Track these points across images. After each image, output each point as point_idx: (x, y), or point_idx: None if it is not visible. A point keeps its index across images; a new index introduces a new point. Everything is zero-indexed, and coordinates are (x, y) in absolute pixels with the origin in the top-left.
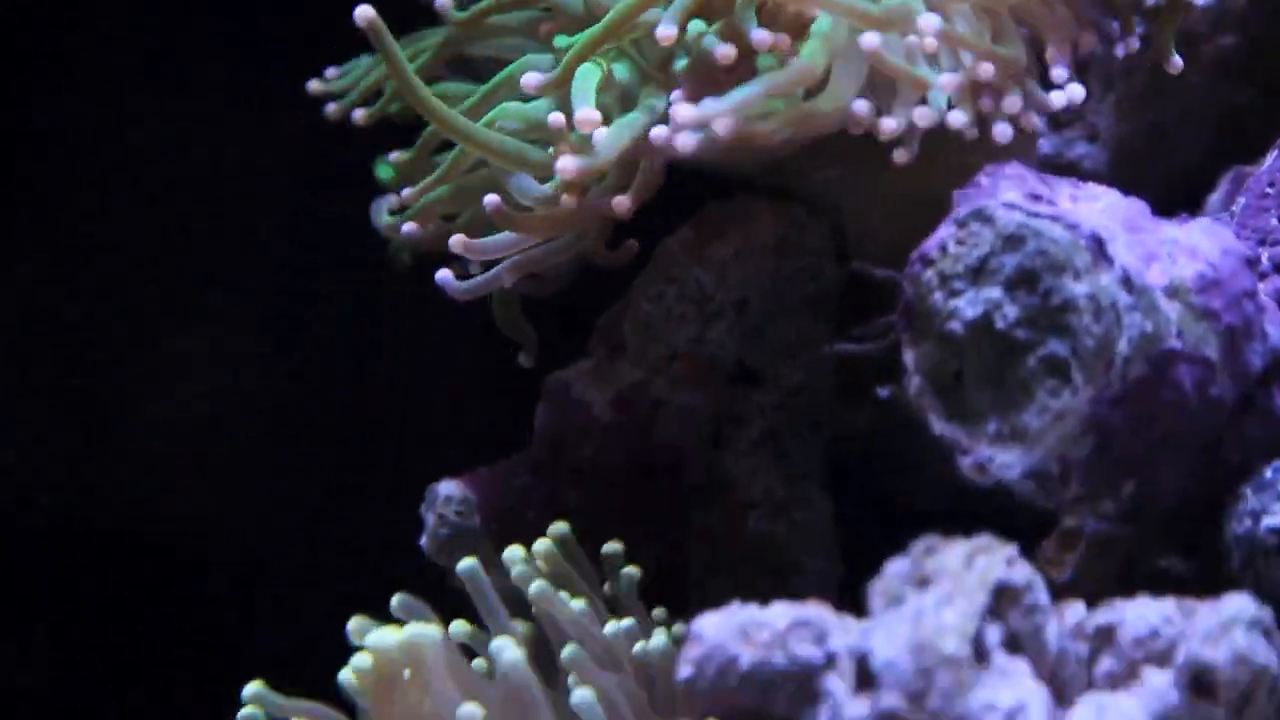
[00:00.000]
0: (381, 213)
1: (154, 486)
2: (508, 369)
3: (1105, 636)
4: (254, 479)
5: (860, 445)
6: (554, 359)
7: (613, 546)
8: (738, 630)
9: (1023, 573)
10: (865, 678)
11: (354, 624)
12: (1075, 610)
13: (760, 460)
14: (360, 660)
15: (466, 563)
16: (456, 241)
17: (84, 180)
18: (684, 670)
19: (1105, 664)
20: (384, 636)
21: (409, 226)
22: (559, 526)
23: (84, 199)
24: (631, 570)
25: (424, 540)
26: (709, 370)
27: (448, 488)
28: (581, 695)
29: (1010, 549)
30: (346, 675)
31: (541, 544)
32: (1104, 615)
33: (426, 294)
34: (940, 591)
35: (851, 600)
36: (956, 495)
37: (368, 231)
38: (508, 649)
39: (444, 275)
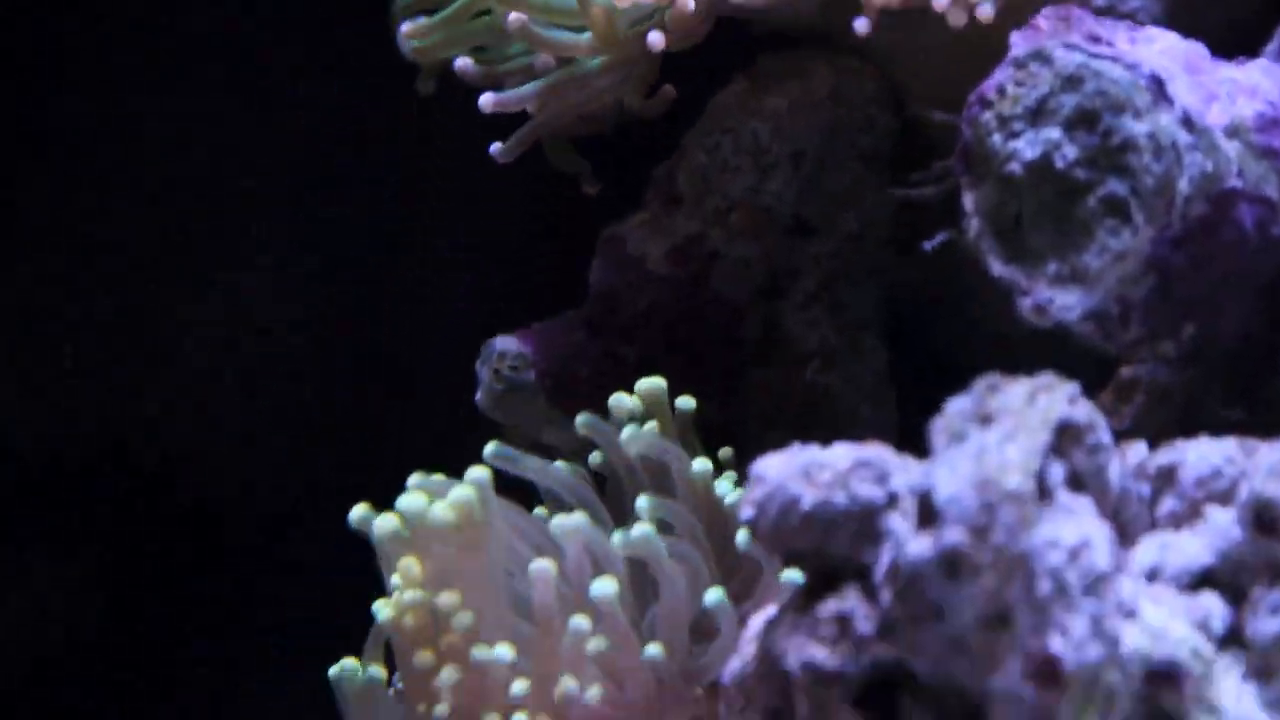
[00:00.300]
0: (407, 42)
1: (198, 419)
2: (561, 225)
3: (1167, 477)
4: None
5: (916, 296)
6: (608, 214)
7: (685, 401)
8: (800, 471)
9: (1085, 411)
10: (927, 516)
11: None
12: (1137, 450)
13: (816, 312)
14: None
15: (583, 417)
16: (486, 101)
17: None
18: (746, 511)
19: (1167, 504)
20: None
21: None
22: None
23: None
24: (687, 401)
25: (479, 396)
26: (765, 222)
27: (503, 342)
28: (641, 531)
29: (1073, 387)
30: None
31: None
32: (1166, 455)
33: (476, 157)
34: (1003, 428)
35: (906, 451)
36: (1011, 347)
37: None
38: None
39: (486, 98)
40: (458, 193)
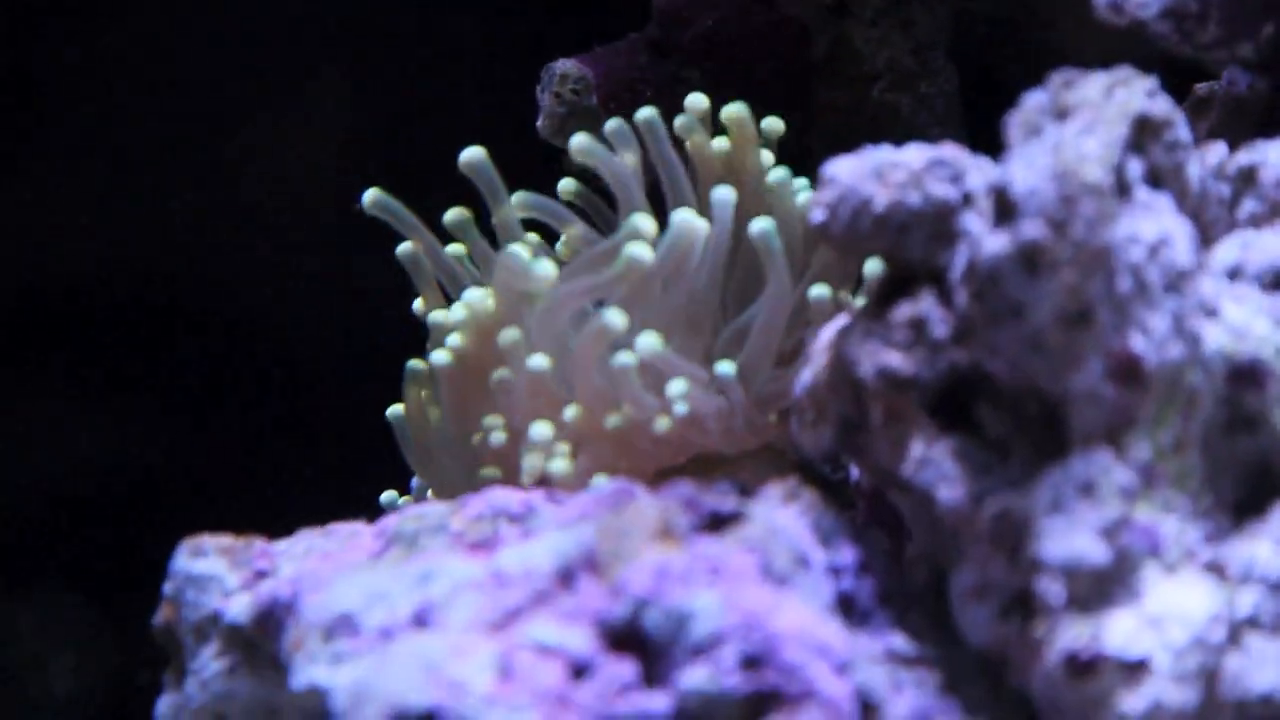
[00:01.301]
0: None
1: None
2: None
3: (1248, 177)
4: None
5: (983, 18)
6: None
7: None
8: (872, 171)
9: (1164, 106)
10: (1004, 212)
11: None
12: (1217, 151)
13: (884, 30)
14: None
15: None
16: None
17: None
18: (817, 214)
19: (1248, 205)
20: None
21: None
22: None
23: None
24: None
25: (540, 121)
26: None
27: (564, 65)
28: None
29: (1151, 81)
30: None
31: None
32: (1246, 155)
33: None
34: (1080, 121)
35: None
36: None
37: None
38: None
39: None
40: None
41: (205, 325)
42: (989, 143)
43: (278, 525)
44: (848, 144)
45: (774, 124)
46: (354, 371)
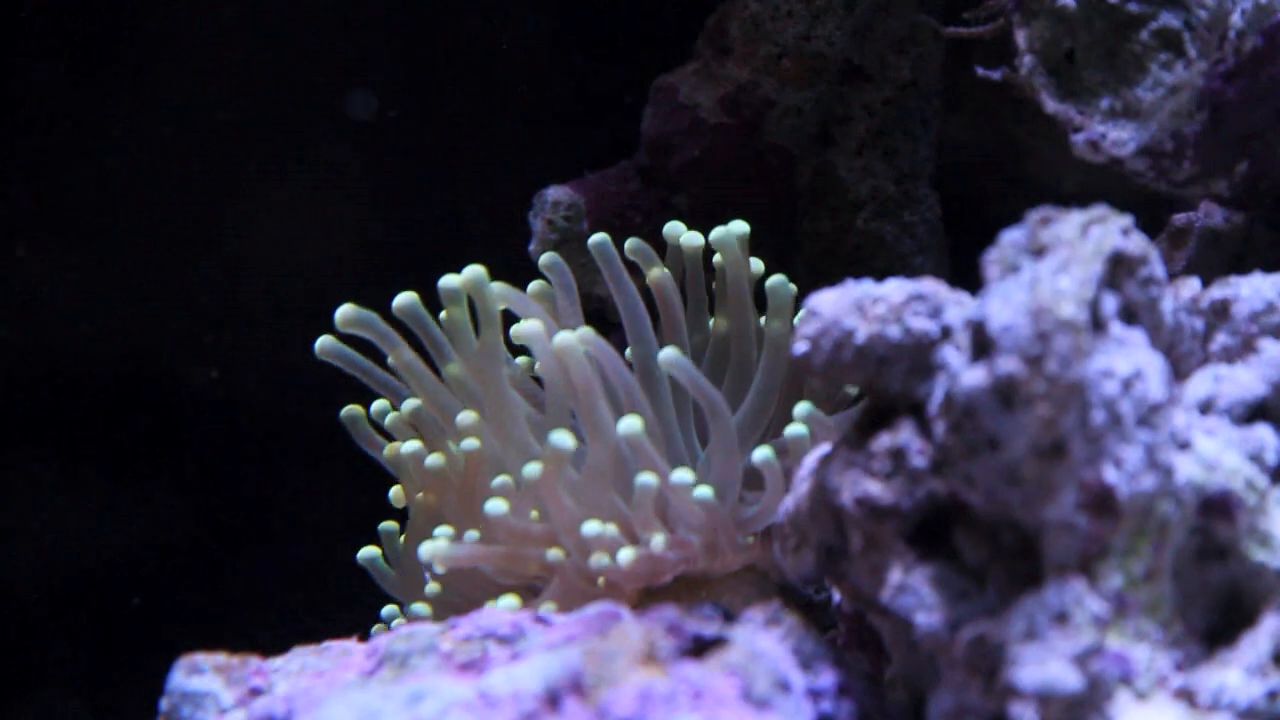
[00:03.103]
0: None
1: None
2: (612, 76)
3: (1221, 311)
4: None
5: (963, 147)
6: (660, 65)
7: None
8: (854, 304)
9: (1139, 243)
10: (982, 347)
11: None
12: (1190, 285)
13: (869, 159)
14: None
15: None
16: None
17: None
18: (799, 346)
19: (1221, 338)
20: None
21: None
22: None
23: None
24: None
25: (532, 245)
26: (817, 68)
27: (556, 192)
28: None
29: (1125, 219)
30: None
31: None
32: (1219, 290)
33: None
34: (1057, 258)
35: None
36: (1060, 200)
37: None
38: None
39: None
40: (506, 46)
41: (199, 417)
42: (970, 269)
43: (271, 616)
44: (832, 270)
45: (755, 265)
46: (350, 457)
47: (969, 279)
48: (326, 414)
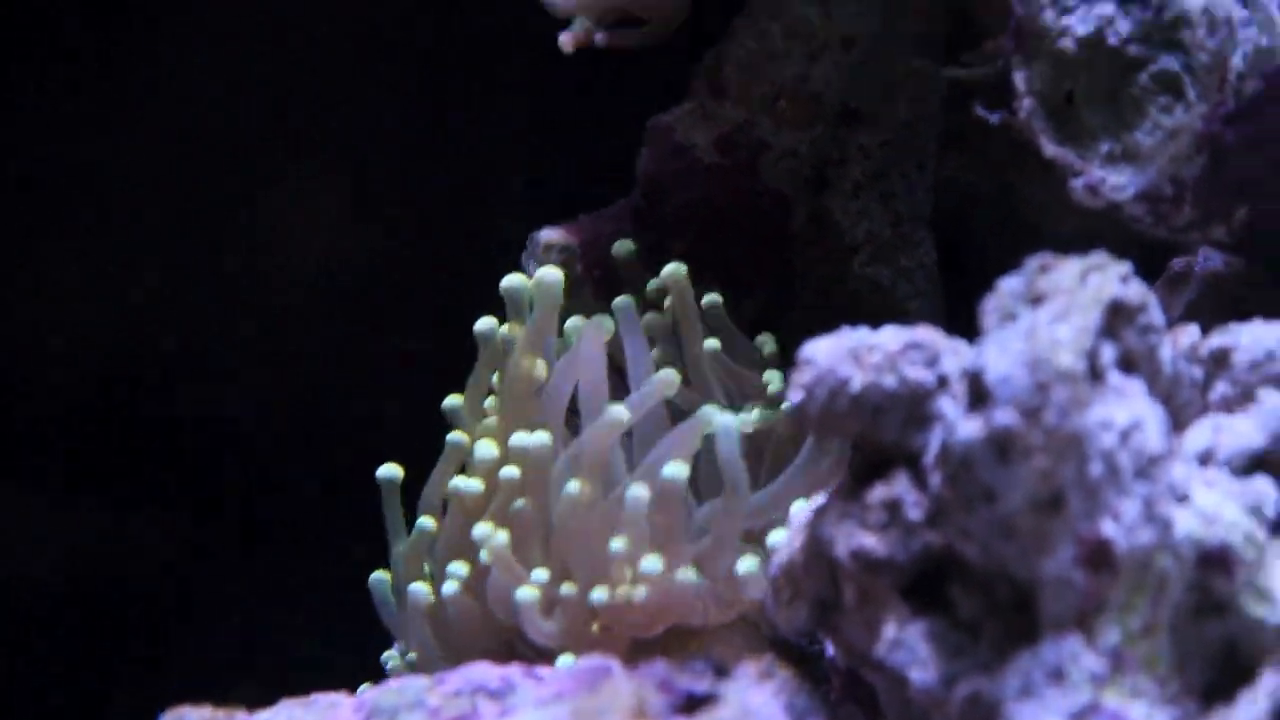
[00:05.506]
0: None
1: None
2: (607, 116)
3: (1220, 360)
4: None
5: (962, 189)
6: (656, 105)
7: (712, 298)
8: (848, 353)
9: (1137, 290)
10: (978, 398)
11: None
12: (1190, 333)
13: (865, 202)
14: None
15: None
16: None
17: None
18: (794, 395)
19: (1220, 388)
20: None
21: None
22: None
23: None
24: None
25: None
26: (814, 110)
27: (549, 234)
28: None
29: (1124, 266)
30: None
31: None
32: (1219, 338)
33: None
34: (1055, 307)
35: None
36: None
37: None
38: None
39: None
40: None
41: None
42: (967, 312)
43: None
44: (828, 314)
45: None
46: (344, 480)
47: (965, 321)
48: (328, 452)
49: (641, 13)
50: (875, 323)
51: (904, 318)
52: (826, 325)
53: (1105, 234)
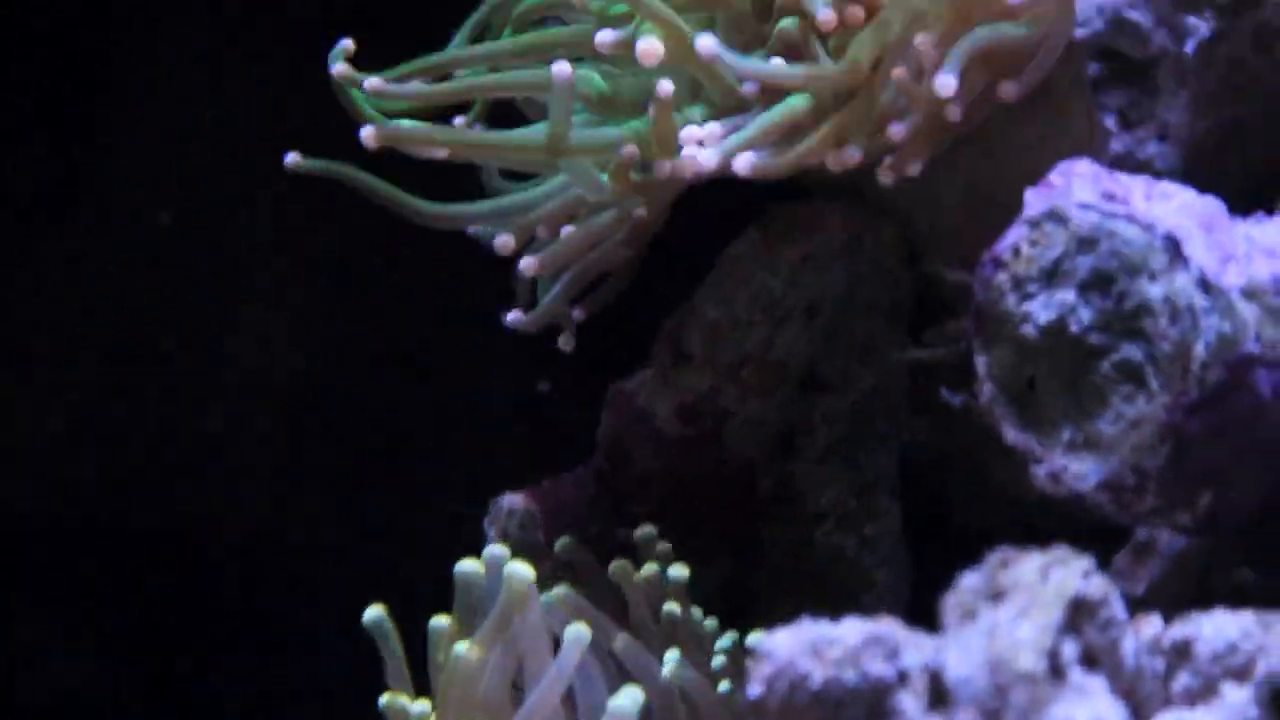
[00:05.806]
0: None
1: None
2: (570, 377)
3: (1182, 652)
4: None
5: (929, 455)
6: (617, 366)
7: (678, 571)
8: (809, 647)
9: (1099, 585)
10: (939, 696)
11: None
12: (1152, 624)
13: (830, 470)
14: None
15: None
16: (527, 265)
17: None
18: (754, 689)
19: (1183, 680)
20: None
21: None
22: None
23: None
24: (680, 572)
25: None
26: (778, 377)
27: (511, 501)
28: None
29: (1086, 561)
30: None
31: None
32: (1181, 630)
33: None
34: (1015, 605)
35: (919, 613)
36: (1025, 509)
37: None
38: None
39: (514, 317)
40: (467, 343)
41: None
42: (935, 579)
43: None
44: (793, 583)
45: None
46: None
47: (933, 589)
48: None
49: (606, 267)
50: (840, 592)
51: (870, 588)
52: (791, 593)
53: (1072, 503)
